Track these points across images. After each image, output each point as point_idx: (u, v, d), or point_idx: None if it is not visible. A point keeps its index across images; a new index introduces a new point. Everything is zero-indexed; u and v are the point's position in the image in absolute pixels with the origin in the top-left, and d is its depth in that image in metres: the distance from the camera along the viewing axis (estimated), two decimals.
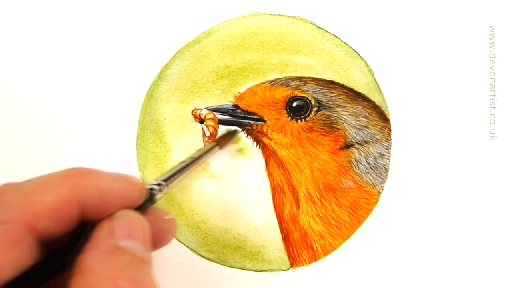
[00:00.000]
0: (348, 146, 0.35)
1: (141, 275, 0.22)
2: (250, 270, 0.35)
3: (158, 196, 0.26)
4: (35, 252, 0.22)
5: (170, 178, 0.28)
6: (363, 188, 0.35)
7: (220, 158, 0.36)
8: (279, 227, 0.35)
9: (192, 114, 0.36)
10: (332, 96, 0.36)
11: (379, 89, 0.36)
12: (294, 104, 0.35)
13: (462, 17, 0.36)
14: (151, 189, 0.26)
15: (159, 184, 0.27)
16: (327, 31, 0.36)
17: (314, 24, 0.36)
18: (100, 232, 0.22)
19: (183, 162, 0.31)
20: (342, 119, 0.36)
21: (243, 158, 0.36)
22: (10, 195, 0.22)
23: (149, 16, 0.37)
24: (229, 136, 0.36)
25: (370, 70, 0.36)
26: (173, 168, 0.30)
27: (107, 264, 0.21)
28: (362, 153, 0.35)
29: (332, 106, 0.36)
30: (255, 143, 0.36)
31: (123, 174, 0.25)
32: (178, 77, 0.36)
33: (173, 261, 0.35)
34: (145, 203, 0.25)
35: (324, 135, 0.35)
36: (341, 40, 0.36)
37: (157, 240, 0.26)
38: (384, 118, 0.36)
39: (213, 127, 0.36)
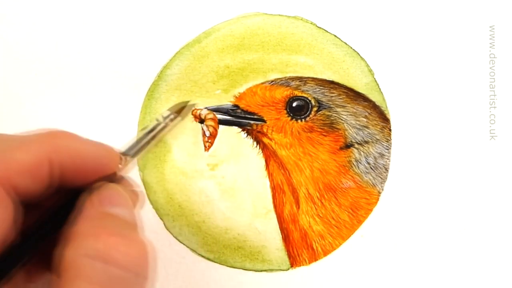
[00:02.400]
0: (348, 146, 0.35)
1: (132, 232, 0.23)
2: (250, 270, 0.35)
3: (121, 168, 0.27)
4: (16, 213, 0.22)
5: (132, 149, 0.29)
6: (363, 188, 0.35)
7: (220, 158, 0.36)
8: (279, 227, 0.35)
9: (192, 114, 0.36)
10: (332, 96, 0.36)
11: (379, 89, 0.36)
12: (294, 104, 0.35)
13: (462, 17, 0.36)
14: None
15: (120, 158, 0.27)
16: (327, 31, 0.36)
17: (314, 24, 0.36)
18: (88, 202, 0.23)
19: (144, 129, 0.31)
20: (342, 119, 0.36)
21: (243, 158, 0.36)
22: None
23: (149, 16, 0.37)
24: (183, 104, 0.35)
25: (370, 70, 0.36)
26: (134, 139, 0.30)
27: (99, 226, 0.22)
28: (362, 153, 0.35)
29: (332, 106, 0.36)
30: (255, 143, 0.36)
31: (98, 141, 0.25)
32: (178, 77, 0.36)
33: (173, 261, 0.35)
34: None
35: (324, 135, 0.35)
36: (341, 40, 0.36)
37: None
38: (384, 118, 0.36)
39: (213, 127, 0.36)
